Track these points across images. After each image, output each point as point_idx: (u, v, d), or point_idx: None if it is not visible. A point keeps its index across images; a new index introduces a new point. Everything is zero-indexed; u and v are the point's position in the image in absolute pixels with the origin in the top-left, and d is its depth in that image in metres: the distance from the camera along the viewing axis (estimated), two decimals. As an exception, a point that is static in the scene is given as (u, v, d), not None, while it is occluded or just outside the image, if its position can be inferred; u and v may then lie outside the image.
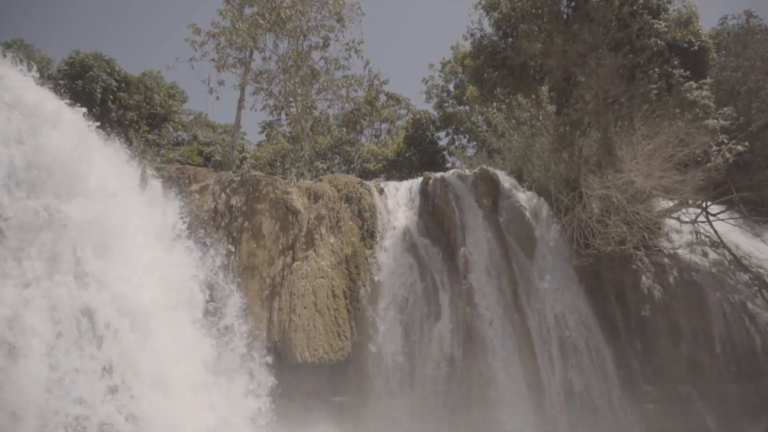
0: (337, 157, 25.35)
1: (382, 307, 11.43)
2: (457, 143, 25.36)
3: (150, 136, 19.66)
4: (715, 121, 11.22)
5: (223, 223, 11.28)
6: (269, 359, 9.60)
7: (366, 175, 21.70)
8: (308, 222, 11.97)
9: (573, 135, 12.96)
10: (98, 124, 8.87)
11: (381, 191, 13.80)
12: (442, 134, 25.15)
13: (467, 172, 14.59)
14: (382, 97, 26.78)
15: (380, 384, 10.66)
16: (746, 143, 11.31)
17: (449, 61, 25.39)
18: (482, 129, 22.87)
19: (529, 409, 10.38)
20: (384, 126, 27.85)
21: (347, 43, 15.13)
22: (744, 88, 14.92)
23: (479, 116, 23.29)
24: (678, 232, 13.43)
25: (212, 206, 11.42)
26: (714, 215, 12.81)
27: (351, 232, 12.32)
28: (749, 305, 12.23)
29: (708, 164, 11.07)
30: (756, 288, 12.51)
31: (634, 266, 12.45)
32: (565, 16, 12.12)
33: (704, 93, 10.93)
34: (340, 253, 11.86)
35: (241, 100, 14.90)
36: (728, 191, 12.73)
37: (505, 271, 11.89)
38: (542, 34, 12.09)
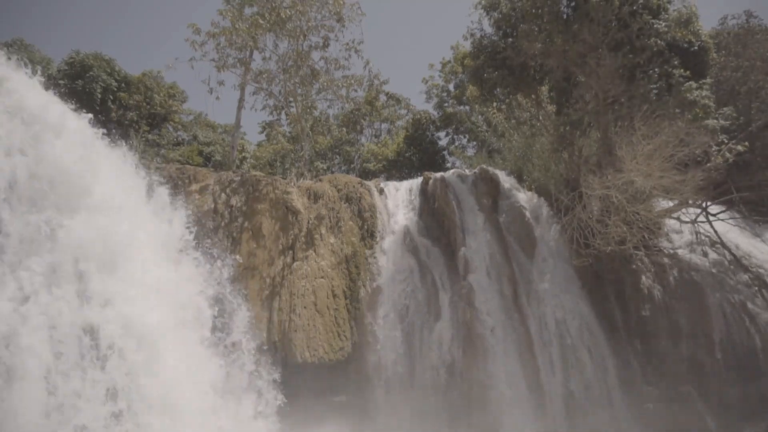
0: (337, 157, 25.34)
1: (382, 308, 11.42)
2: (457, 143, 25.38)
3: (150, 136, 19.65)
4: (715, 121, 11.23)
5: (223, 223, 11.27)
6: (276, 376, 9.41)
7: (366, 175, 21.70)
8: (308, 222, 11.97)
9: (573, 135, 12.96)
10: (104, 131, 8.66)
11: (381, 191, 13.81)
12: (442, 134, 25.23)
13: (467, 172, 14.59)
14: (382, 97, 26.80)
15: (380, 384, 10.66)
16: (746, 143, 11.33)
17: (449, 61, 25.41)
18: (482, 129, 22.87)
19: (529, 409, 10.39)
20: (384, 126, 27.87)
21: (347, 43, 15.16)
22: (744, 88, 14.93)
23: (479, 116, 23.29)
24: (678, 232, 13.41)
25: (212, 206, 11.42)
26: (714, 215, 12.79)
27: (351, 232, 12.33)
28: (749, 305, 12.21)
29: (708, 164, 11.07)
30: (756, 288, 12.50)
31: (634, 266, 12.45)
32: (565, 16, 12.12)
33: (704, 93, 10.94)
34: (340, 253, 11.86)
35: (241, 100, 14.90)
36: (728, 191, 12.73)
37: (505, 271, 11.90)
38: (542, 34, 12.09)
